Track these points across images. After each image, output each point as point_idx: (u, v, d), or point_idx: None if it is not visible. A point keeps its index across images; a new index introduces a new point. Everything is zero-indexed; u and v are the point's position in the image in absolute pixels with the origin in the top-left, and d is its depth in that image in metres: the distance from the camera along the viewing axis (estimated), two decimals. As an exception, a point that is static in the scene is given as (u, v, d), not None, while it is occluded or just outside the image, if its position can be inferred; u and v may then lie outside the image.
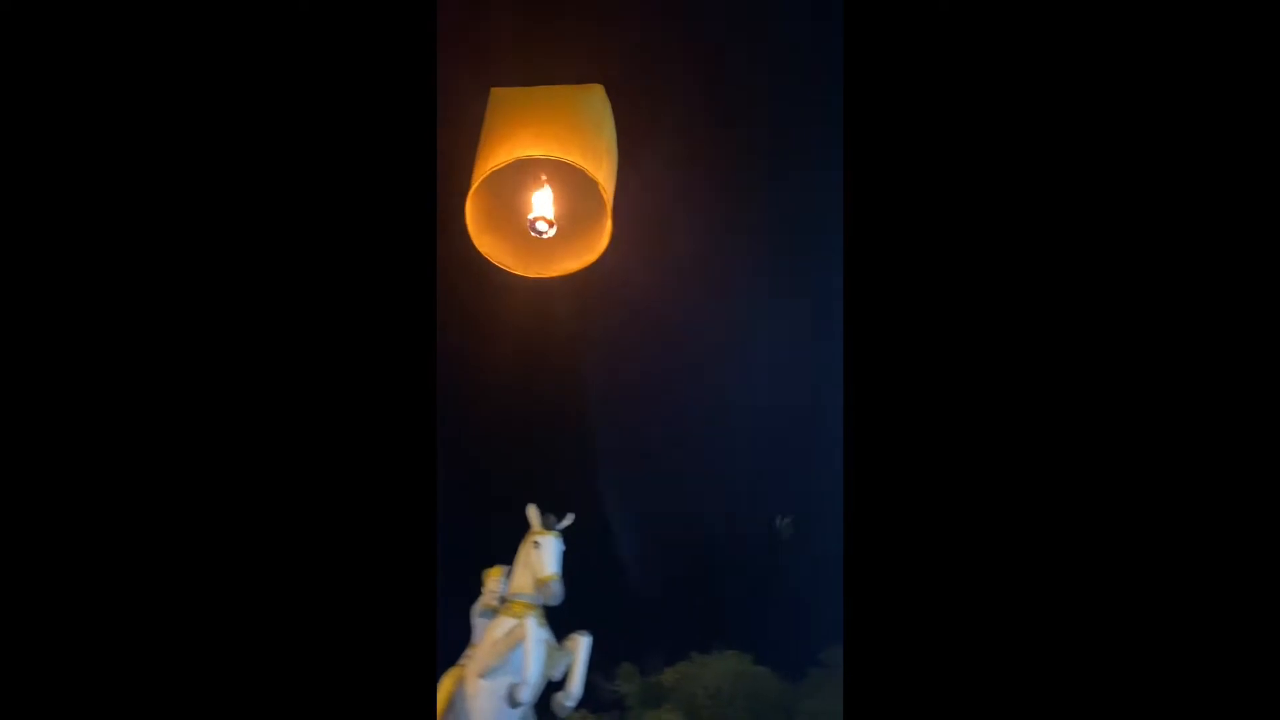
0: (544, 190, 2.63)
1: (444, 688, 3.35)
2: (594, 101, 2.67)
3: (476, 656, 3.40)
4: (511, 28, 2.86)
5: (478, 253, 2.63)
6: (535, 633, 3.36)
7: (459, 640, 3.51)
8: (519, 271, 2.71)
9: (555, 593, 3.32)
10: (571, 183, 2.63)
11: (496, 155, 2.50)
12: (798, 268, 3.19)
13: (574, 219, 2.68)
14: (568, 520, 3.48)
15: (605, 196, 2.54)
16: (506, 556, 3.55)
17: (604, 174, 2.56)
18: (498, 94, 2.66)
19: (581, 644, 3.38)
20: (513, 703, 3.26)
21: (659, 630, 6.44)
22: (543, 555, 3.38)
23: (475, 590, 3.60)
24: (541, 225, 2.60)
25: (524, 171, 2.62)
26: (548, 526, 3.44)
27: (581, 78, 2.70)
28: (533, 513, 3.46)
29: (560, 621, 3.44)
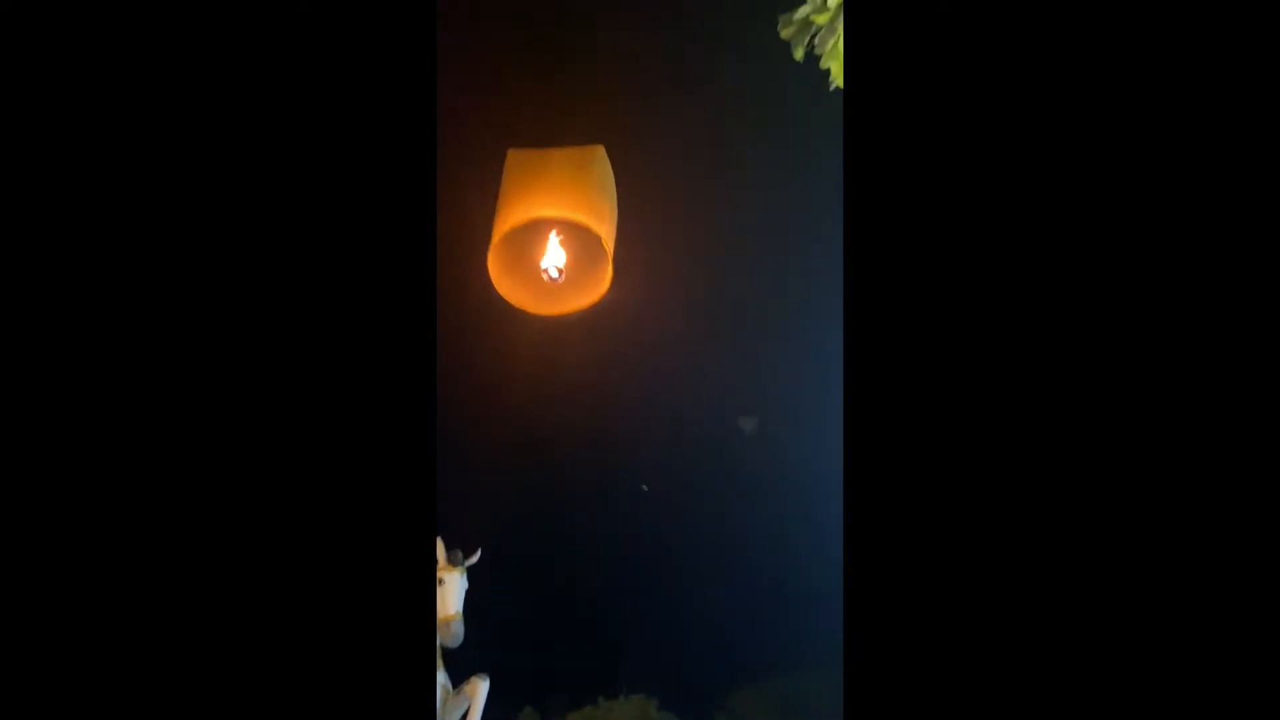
0: (555, 242, 3.08)
1: None
2: (596, 161, 3.11)
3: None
4: (527, 99, 3.28)
5: (498, 295, 3.09)
6: None
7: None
8: (533, 310, 3.13)
9: (456, 634, 3.09)
10: (578, 233, 3.08)
11: (514, 212, 2.94)
12: (793, 308, 3.51)
13: (580, 265, 3.12)
14: (474, 557, 3.27)
15: (606, 247, 2.98)
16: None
17: (605, 227, 2.99)
18: (514, 155, 3.09)
19: (480, 689, 3.18)
20: None
21: (565, 674, 6.04)
22: (445, 593, 3.14)
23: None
24: (553, 272, 3.06)
25: (538, 225, 3.07)
26: (453, 562, 3.21)
27: (587, 138, 3.14)
28: (439, 547, 3.22)
29: (461, 663, 3.19)
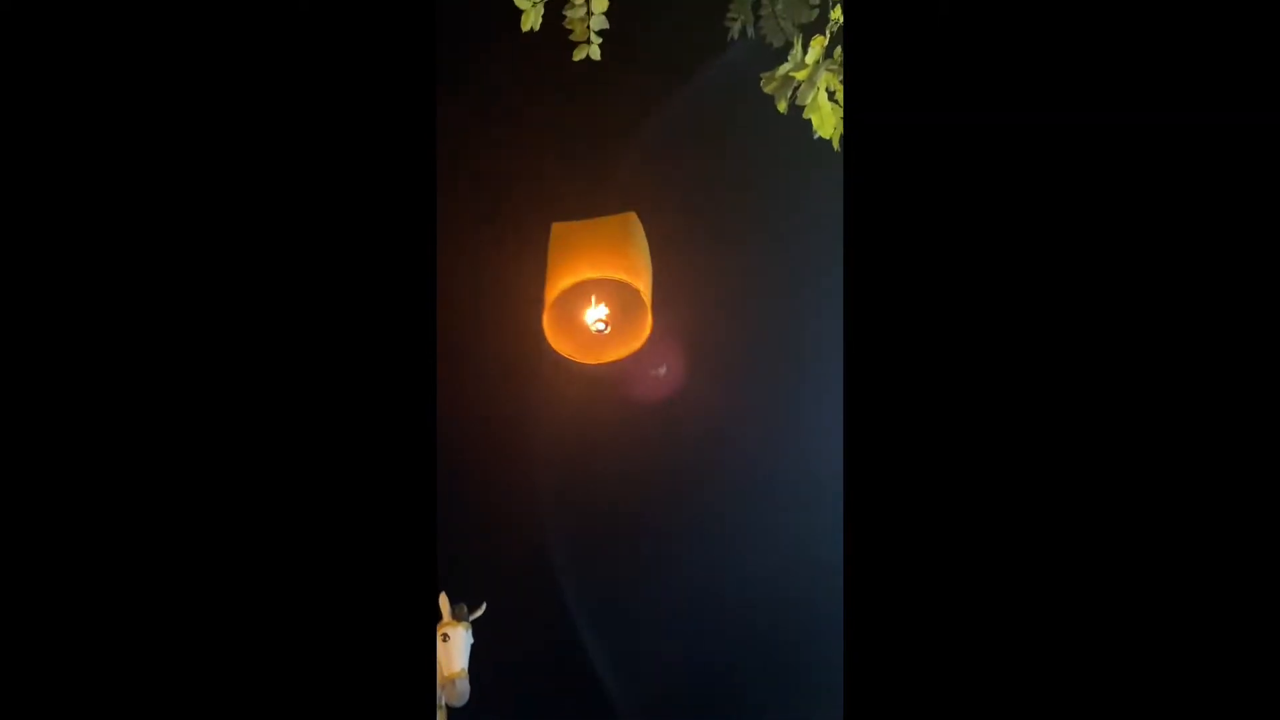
0: (600, 302, 3.47)
1: None
2: (630, 226, 3.50)
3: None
4: (568, 176, 3.73)
5: (549, 347, 3.45)
6: None
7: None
8: (581, 360, 3.48)
9: (462, 692, 2.99)
10: (619, 291, 3.45)
11: (562, 277, 3.34)
12: (810, 343, 3.79)
13: (622, 318, 3.49)
14: (480, 611, 3.20)
15: (645, 300, 3.35)
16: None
17: (643, 283, 3.36)
18: (557, 227, 3.49)
19: None
20: None
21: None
22: (451, 649, 3.04)
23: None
24: (599, 325, 3.42)
25: (583, 286, 3.45)
26: (458, 617, 3.13)
27: (621, 206, 3.54)
28: (443, 601, 3.14)
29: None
